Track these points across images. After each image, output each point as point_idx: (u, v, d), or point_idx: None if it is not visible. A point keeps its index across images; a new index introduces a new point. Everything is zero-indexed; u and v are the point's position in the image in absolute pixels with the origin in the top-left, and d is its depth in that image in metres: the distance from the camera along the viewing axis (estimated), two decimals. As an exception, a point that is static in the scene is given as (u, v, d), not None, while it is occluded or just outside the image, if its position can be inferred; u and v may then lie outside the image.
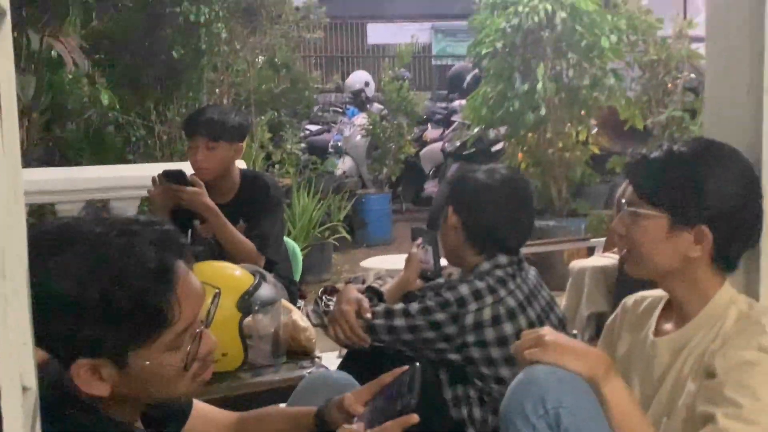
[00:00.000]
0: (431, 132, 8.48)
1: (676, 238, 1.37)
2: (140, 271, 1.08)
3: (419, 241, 2.32)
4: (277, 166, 6.46)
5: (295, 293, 3.14)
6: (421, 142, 8.31)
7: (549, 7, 4.78)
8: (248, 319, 2.16)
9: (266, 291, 2.25)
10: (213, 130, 2.69)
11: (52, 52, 4.04)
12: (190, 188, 2.62)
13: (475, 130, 5.76)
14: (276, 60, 7.32)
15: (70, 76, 4.30)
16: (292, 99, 7.69)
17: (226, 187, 2.80)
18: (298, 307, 4.54)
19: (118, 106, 4.43)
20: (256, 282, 2.22)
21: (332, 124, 9.07)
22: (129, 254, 1.08)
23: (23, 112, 4.05)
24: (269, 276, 2.77)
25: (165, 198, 2.65)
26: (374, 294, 2.20)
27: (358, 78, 9.47)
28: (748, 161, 1.42)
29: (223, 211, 2.67)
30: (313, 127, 9.03)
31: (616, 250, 3.03)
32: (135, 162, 4.84)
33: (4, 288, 0.58)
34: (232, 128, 2.73)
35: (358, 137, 7.78)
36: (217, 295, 1.41)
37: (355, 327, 1.98)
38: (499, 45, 4.99)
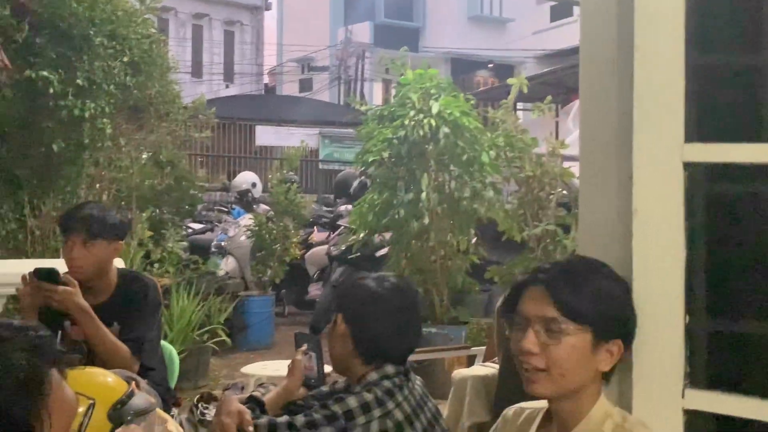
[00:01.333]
0: (317, 235, 8.54)
1: (597, 354, 1.39)
2: (8, 381, 1.01)
3: (304, 347, 2.29)
4: (156, 265, 6.26)
5: (169, 401, 3.01)
6: (307, 245, 8.33)
7: (433, 122, 5.01)
8: (120, 430, 2.04)
9: (140, 400, 2.13)
10: (91, 228, 2.63)
11: None
12: (62, 287, 2.52)
13: (361, 235, 5.84)
14: (161, 157, 7.24)
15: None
16: (176, 197, 7.57)
17: (101, 287, 2.72)
18: (172, 416, 4.33)
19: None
20: (129, 390, 2.12)
21: (216, 224, 8.96)
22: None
23: None
24: (143, 383, 2.65)
25: (35, 297, 2.54)
26: (256, 404, 2.14)
27: (245, 178, 9.48)
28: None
29: (97, 312, 2.58)
30: (197, 226, 8.90)
31: (495, 359, 3.10)
32: (3, 257, 4.59)
33: None
34: (111, 226, 2.68)
35: (243, 237, 7.71)
36: (91, 407, 1.33)
37: (237, 441, 1.91)
38: (385, 154, 5.17)
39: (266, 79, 27.89)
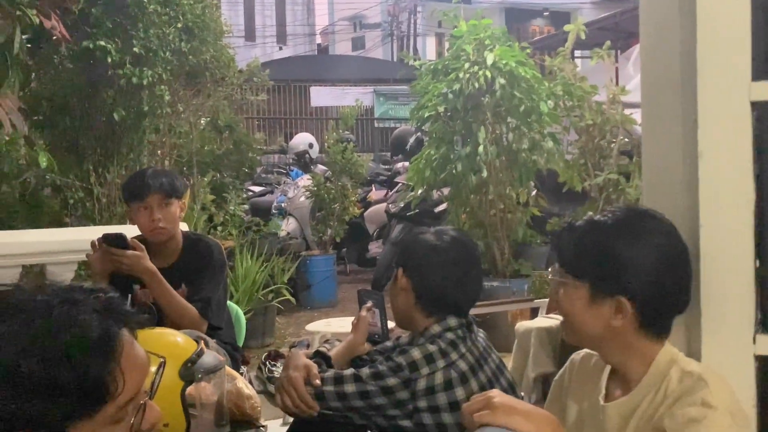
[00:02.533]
0: (375, 193, 8.55)
1: (597, 308, 1.41)
2: (83, 342, 1.04)
3: (368, 304, 2.31)
4: (219, 228, 6.38)
5: (238, 359, 3.06)
6: (366, 203, 8.36)
7: (488, 74, 4.92)
8: (191, 387, 2.11)
9: (209, 358, 2.19)
10: (166, 188, 2.68)
11: (-11, 114, 3.95)
12: (130, 252, 2.56)
13: (419, 191, 5.82)
14: (219, 122, 7.33)
15: (7, 138, 4.21)
16: (235, 161, 7.68)
17: (169, 250, 2.76)
18: (241, 374, 4.45)
19: (56, 168, 4.34)
20: (199, 349, 2.17)
21: (275, 186, 9.05)
22: (71, 324, 1.05)
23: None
24: (212, 342, 2.72)
25: (104, 262, 2.60)
26: (322, 359, 2.18)
27: (302, 140, 9.52)
28: (671, 230, 1.46)
29: (164, 275, 2.63)
30: (257, 189, 9.00)
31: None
32: (73, 225, 4.73)
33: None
34: (180, 185, 2.74)
35: (302, 198, 7.78)
36: (162, 365, 1.37)
37: (304, 394, 1.95)
38: (441, 109, 5.11)
39: (318, 40, 27.81)
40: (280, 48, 24.33)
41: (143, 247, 2.60)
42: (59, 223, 4.73)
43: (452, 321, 2.02)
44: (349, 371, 1.97)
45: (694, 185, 1.59)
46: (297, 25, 25.80)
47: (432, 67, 5.45)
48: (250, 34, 24.21)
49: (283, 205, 8.18)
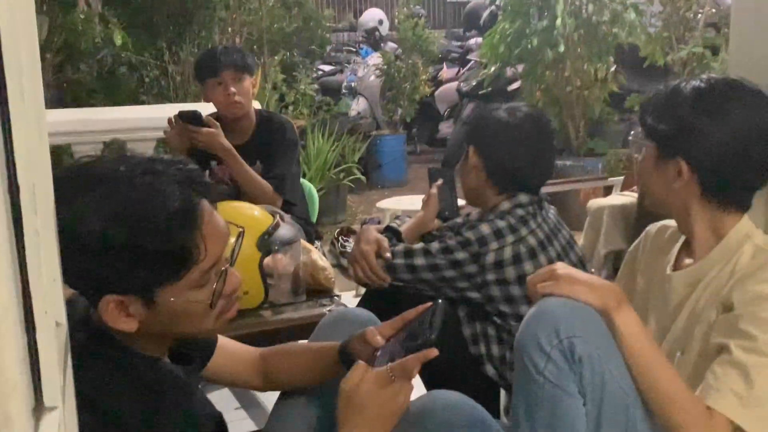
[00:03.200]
0: (447, 71, 8.36)
1: (662, 169, 1.42)
2: (166, 210, 1.07)
3: (439, 181, 2.31)
4: (290, 107, 6.40)
5: (312, 234, 3.13)
6: (437, 82, 8.20)
7: (569, -60, 4.64)
8: (268, 258, 2.18)
9: (285, 231, 2.26)
10: (239, 63, 2.70)
11: (65, -7, 3.99)
12: (206, 129, 2.61)
13: (492, 68, 5.66)
14: (287, -1, 7.19)
15: (83, 17, 4.25)
16: (305, 38, 7.59)
17: (243, 128, 2.80)
18: (316, 248, 4.58)
19: (131, 47, 4.37)
20: (275, 222, 2.23)
21: (346, 65, 8.93)
22: (154, 194, 1.08)
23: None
24: (287, 217, 2.79)
25: (181, 139, 2.65)
26: (393, 234, 2.21)
27: (372, 16, 9.29)
28: (756, 102, 1.36)
29: (239, 152, 2.67)
30: (327, 68, 8.90)
31: (634, 188, 3.01)
32: (149, 103, 4.81)
33: (35, 223, 0.58)
34: (251, 62, 2.75)
35: (372, 77, 7.68)
36: (241, 234, 1.41)
37: (375, 266, 2.00)
38: (517, -21, 4.87)
39: None
40: None
41: (218, 124, 2.63)
42: (136, 101, 4.81)
43: (523, 198, 2.00)
44: (419, 245, 2.00)
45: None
46: None
47: (507, -64, 5.17)
48: None
49: (353, 84, 8.11)
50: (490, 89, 6.67)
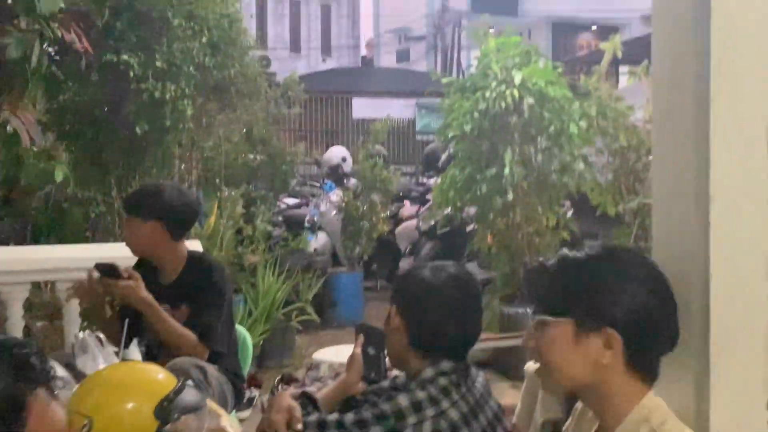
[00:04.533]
0: (408, 209, 8.42)
1: (584, 345, 1.33)
2: None
3: (361, 339, 2.20)
4: (245, 242, 6.32)
5: (241, 388, 2.96)
6: (397, 219, 8.23)
7: (516, 94, 4.76)
8: (168, 427, 2.01)
9: (189, 395, 2.10)
10: (130, 207, 2.70)
11: (8, 127, 3.95)
12: (123, 282, 2.53)
13: (446, 211, 5.67)
14: (253, 134, 7.30)
15: (28, 150, 4.21)
16: (269, 173, 7.65)
17: (170, 267, 2.74)
18: (252, 398, 4.35)
19: (72, 183, 4.33)
20: (178, 386, 2.08)
21: (311, 198, 8.99)
22: None
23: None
24: (212, 369, 2.64)
25: (93, 293, 2.59)
26: (309, 401, 2.07)
27: (336, 153, 9.42)
28: (649, 262, 1.40)
29: (165, 293, 2.60)
30: (291, 201, 8.93)
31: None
32: (95, 240, 4.72)
33: None
34: (151, 206, 2.67)
35: (334, 213, 7.70)
36: (85, 426, 1.25)
37: (285, 439, 1.86)
38: (467, 128, 4.96)
39: (364, 51, 27.86)
40: (324, 60, 24.46)
41: (138, 276, 2.55)
42: (81, 238, 4.72)
43: (446, 365, 1.90)
44: (333, 417, 1.88)
45: (705, 228, 1.45)
46: (342, 37, 25.90)
47: (461, 84, 5.31)
48: (295, 46, 24.40)
49: (315, 218, 8.11)
50: (448, 229, 6.67)
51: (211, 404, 2.24)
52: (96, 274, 2.54)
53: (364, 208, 6.95)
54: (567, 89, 4.94)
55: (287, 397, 2.02)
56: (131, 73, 4.54)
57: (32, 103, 4.22)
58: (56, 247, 3.91)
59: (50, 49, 4.23)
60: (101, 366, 2.43)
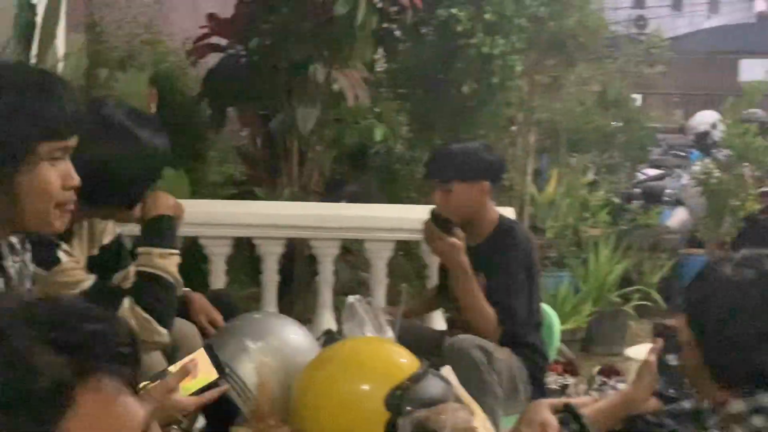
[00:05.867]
0: (789, 186, 7.07)
1: None
2: (22, 395, 0.73)
3: (659, 344, 1.70)
4: (588, 213, 5.83)
5: (539, 378, 2.69)
6: (776, 198, 6.96)
7: None
8: (401, 421, 1.73)
9: (430, 386, 1.80)
10: (443, 171, 2.58)
11: (334, 86, 4.01)
12: (450, 239, 2.43)
13: None
14: (607, 96, 6.72)
15: (356, 109, 4.26)
16: (625, 140, 7.01)
17: (479, 229, 2.61)
18: (566, 386, 3.94)
19: (390, 142, 4.28)
20: (417, 373, 1.79)
21: (675, 169, 8.14)
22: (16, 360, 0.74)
23: (302, 144, 4.10)
24: (505, 351, 2.46)
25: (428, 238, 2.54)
26: (572, 416, 1.62)
27: (704, 118, 8.35)
28: None
29: (469, 254, 2.46)
30: (652, 172, 8.17)
31: None
32: (417, 202, 4.66)
33: None
34: (467, 166, 2.56)
35: (696, 186, 6.77)
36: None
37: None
38: None
39: (762, 6, 24.56)
40: (709, 17, 22.18)
41: (463, 237, 2.45)
42: (407, 199, 4.70)
43: (765, 399, 1.34)
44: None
45: None
46: (734, -9, 23.20)
47: None
48: (677, 3, 22.58)
49: (675, 192, 7.27)
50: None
51: (465, 397, 1.92)
52: (428, 219, 2.50)
53: (728, 181, 5.94)
54: None
55: (544, 408, 1.63)
56: (459, 28, 4.33)
57: (362, 62, 4.22)
58: (366, 206, 3.90)
59: (380, 5, 4.18)
60: (368, 336, 2.25)
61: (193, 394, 1.60)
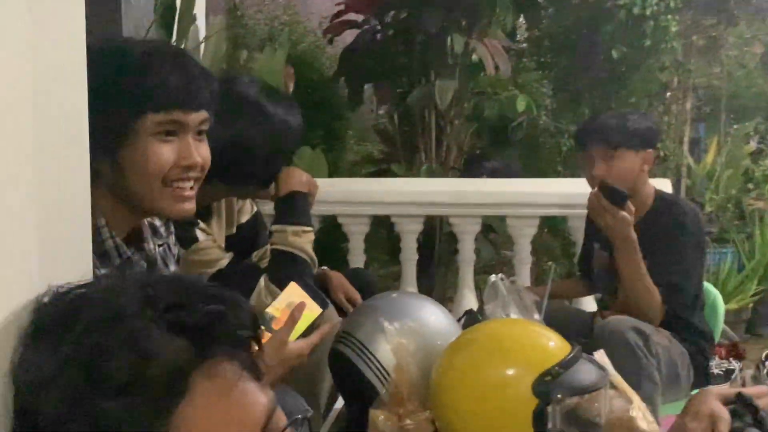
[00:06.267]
0: None
1: None
2: (107, 376, 0.68)
3: None
4: (751, 185, 5.42)
5: (704, 353, 2.52)
6: None
7: None
8: (551, 409, 1.60)
9: (584, 372, 1.64)
10: (608, 137, 2.39)
11: (473, 57, 3.87)
12: (620, 213, 2.24)
13: None
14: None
15: (497, 79, 4.10)
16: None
17: (634, 205, 2.41)
18: (731, 371, 3.64)
19: (535, 112, 4.09)
20: (567, 358, 1.64)
21: None
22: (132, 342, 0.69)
23: (440, 119, 4.00)
24: (663, 334, 2.31)
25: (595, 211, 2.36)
26: (746, 407, 1.44)
27: None
28: None
29: None
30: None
31: None
32: (562, 175, 4.46)
33: None
34: (632, 134, 2.39)
35: None
36: (302, 421, 0.87)
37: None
38: None
39: None
40: None
41: (633, 211, 2.27)
42: (552, 172, 4.51)
43: None
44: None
45: None
46: None
47: None
48: None
49: None
50: None
51: (620, 384, 1.75)
52: (596, 190, 2.31)
53: None
54: None
55: (713, 398, 1.45)
56: (606, -11, 4.07)
57: (502, 30, 4.05)
58: (507, 181, 3.73)
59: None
60: (512, 317, 2.13)
61: (300, 336, 1.51)
